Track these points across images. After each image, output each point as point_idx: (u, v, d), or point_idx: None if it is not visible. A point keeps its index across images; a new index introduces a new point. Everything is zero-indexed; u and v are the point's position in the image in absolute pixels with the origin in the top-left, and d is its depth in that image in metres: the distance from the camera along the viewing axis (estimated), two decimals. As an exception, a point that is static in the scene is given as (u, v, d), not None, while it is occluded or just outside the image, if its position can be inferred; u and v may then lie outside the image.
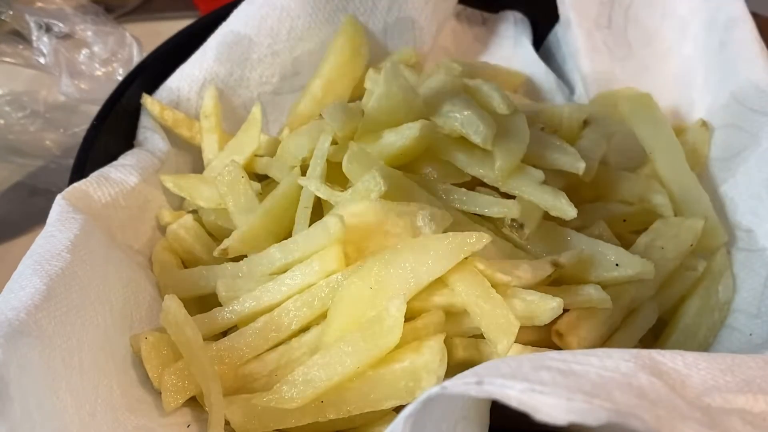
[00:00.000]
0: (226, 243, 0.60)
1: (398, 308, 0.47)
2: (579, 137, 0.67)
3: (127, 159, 0.67)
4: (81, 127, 0.79)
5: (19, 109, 0.78)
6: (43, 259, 0.50)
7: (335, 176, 0.62)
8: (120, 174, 0.64)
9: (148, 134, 0.71)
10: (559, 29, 0.81)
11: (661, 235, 0.61)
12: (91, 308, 0.51)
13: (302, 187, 0.61)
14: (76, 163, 0.66)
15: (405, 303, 0.47)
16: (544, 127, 0.66)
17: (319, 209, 0.62)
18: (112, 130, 0.70)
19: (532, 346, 0.52)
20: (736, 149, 0.64)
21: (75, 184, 0.60)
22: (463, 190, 0.60)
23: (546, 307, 0.49)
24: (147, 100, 0.72)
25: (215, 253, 0.61)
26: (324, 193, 0.59)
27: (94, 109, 0.70)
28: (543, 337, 0.53)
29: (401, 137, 0.60)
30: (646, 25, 0.73)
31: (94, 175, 0.62)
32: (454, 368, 0.48)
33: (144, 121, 0.72)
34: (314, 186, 0.60)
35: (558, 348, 0.53)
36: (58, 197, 0.57)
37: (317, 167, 0.60)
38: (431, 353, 0.46)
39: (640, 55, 0.74)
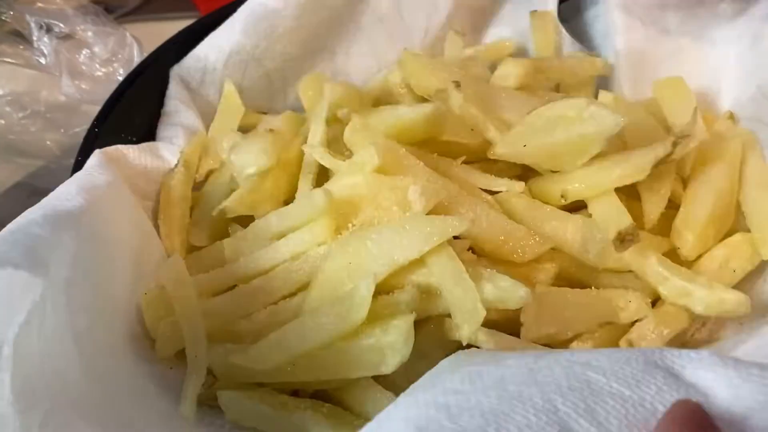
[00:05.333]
0: (224, 203, 0.62)
1: (367, 288, 0.48)
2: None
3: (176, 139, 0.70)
4: (81, 128, 0.78)
5: (19, 110, 0.78)
6: (86, 184, 0.55)
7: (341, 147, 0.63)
8: (168, 154, 0.67)
9: (181, 107, 0.73)
10: (590, 4, 0.78)
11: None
12: (116, 242, 0.55)
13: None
14: (76, 163, 0.65)
15: (374, 283, 0.48)
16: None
17: (324, 174, 0.63)
18: (113, 130, 0.69)
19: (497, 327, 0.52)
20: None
21: (116, 146, 0.63)
22: (466, 166, 0.60)
23: (516, 294, 0.49)
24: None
25: (213, 213, 0.63)
26: (327, 161, 0.60)
27: (95, 110, 0.70)
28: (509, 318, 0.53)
29: (412, 112, 0.61)
30: (683, 8, 0.69)
31: (143, 145, 0.65)
32: (421, 348, 0.49)
33: (173, 90, 0.74)
34: (318, 154, 0.61)
35: (517, 333, 0.53)
36: (97, 151, 0.61)
37: (317, 134, 0.61)
38: (397, 333, 0.47)
39: (675, 36, 0.70)
